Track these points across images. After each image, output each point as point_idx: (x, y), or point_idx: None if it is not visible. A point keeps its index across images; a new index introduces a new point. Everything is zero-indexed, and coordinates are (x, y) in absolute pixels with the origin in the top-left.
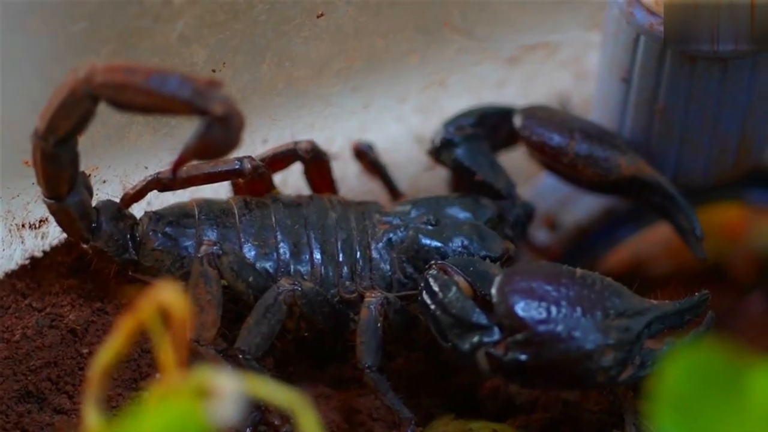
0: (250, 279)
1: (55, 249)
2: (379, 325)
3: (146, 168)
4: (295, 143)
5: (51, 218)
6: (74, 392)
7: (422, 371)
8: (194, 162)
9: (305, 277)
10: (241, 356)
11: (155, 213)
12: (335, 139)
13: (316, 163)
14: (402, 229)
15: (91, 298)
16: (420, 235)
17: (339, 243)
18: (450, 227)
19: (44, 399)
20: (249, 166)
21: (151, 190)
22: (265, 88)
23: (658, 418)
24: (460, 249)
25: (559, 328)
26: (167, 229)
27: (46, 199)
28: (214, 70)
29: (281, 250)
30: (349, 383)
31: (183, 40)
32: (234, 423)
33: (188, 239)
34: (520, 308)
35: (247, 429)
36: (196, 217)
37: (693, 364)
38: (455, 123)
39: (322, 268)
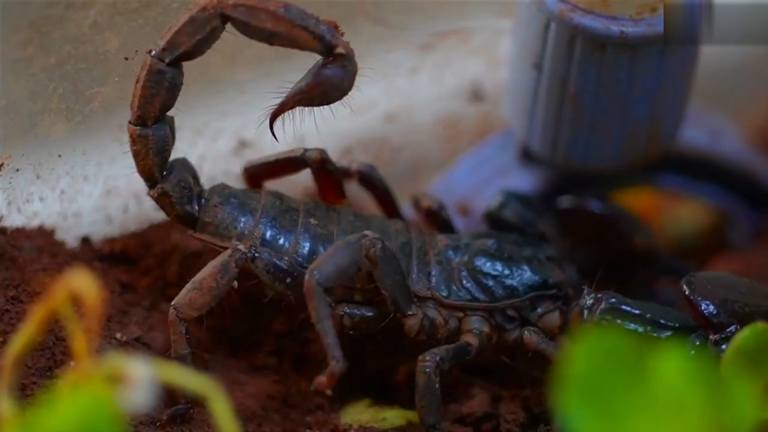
0: (288, 281)
1: None
2: (437, 386)
3: (60, 156)
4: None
5: None
6: None
7: None
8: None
9: None
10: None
11: (226, 185)
12: (248, 126)
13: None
14: (463, 246)
15: (5, 287)
16: (481, 251)
17: (397, 247)
18: (510, 251)
19: None
20: (316, 156)
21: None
22: None
23: (564, 400)
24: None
25: None
26: (232, 198)
27: (131, 125)
28: (126, 58)
29: None
30: (263, 370)
31: (96, 28)
32: (148, 410)
33: (245, 217)
34: None
35: (164, 416)
36: (260, 205)
37: (600, 347)
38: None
39: None
